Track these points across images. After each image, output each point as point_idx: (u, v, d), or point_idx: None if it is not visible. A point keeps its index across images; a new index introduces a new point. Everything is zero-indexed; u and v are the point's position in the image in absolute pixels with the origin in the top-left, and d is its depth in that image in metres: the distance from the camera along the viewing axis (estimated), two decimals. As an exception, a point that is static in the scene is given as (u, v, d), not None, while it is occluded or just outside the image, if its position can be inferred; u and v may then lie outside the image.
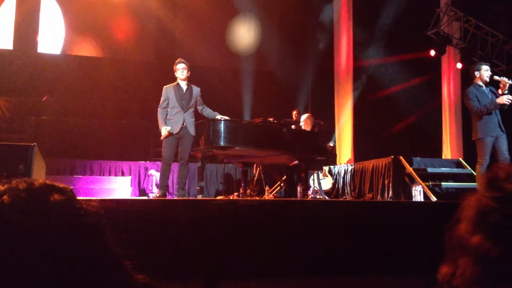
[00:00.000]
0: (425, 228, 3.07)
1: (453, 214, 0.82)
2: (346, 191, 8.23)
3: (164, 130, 5.49)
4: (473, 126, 5.36)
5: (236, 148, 5.65)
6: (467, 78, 9.70)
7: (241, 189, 6.73)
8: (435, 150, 9.89)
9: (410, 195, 6.31)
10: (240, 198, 6.18)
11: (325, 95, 10.17)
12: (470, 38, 9.33)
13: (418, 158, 7.52)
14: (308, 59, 10.76)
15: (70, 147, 8.26)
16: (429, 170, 7.28)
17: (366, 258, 3.24)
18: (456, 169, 7.58)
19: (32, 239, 0.67)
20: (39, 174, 4.88)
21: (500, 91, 5.29)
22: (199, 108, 5.81)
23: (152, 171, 7.91)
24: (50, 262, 0.67)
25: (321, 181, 7.82)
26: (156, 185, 7.55)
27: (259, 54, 10.55)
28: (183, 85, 5.69)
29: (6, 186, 0.73)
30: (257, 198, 6.40)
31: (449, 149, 9.96)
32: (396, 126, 10.08)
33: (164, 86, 5.71)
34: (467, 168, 7.39)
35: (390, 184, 7.01)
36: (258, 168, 7.61)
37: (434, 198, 6.32)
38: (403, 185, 6.94)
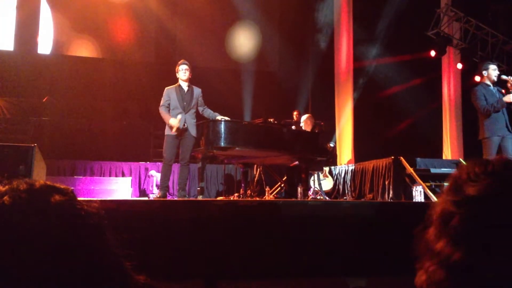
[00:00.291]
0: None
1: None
2: (346, 192, 8.23)
3: (174, 121, 5.48)
4: (480, 125, 5.34)
5: (237, 148, 5.65)
6: (467, 78, 9.75)
7: (241, 189, 6.73)
8: (436, 151, 9.89)
9: (410, 196, 6.31)
10: (240, 199, 6.18)
11: (326, 96, 10.17)
12: (470, 38, 9.33)
13: (418, 159, 7.52)
14: (308, 60, 10.76)
15: (70, 147, 8.26)
16: (430, 170, 7.27)
17: (366, 258, 3.24)
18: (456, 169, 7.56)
19: (32, 240, 0.68)
20: (40, 175, 4.88)
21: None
22: (200, 109, 5.82)
23: (152, 172, 7.91)
24: (50, 262, 0.67)
25: (321, 181, 7.82)
26: (156, 185, 7.56)
27: (260, 55, 10.55)
28: (185, 86, 5.70)
29: (6, 187, 0.73)
30: (258, 198, 6.40)
31: (449, 150, 9.96)
32: (397, 126, 10.08)
33: (166, 88, 5.73)
34: (468, 168, 7.37)
35: (391, 185, 7.01)
36: (258, 169, 7.62)
37: (434, 199, 6.32)
38: (404, 185, 6.93)
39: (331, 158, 8.16)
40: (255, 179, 7.61)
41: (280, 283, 3.06)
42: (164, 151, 5.62)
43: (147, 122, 9.09)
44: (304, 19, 10.63)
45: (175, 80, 5.78)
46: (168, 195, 6.04)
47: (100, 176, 7.80)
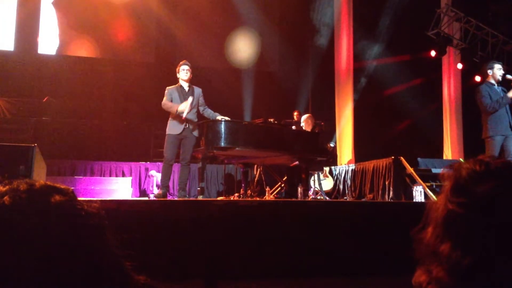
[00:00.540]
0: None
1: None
2: (346, 192, 8.23)
3: (183, 105, 5.46)
4: (483, 124, 5.36)
5: (237, 148, 5.65)
6: (467, 78, 9.76)
7: (241, 189, 6.73)
8: (436, 151, 9.89)
9: (411, 196, 6.31)
10: (240, 199, 6.18)
11: (326, 96, 10.17)
12: (470, 38, 9.33)
13: (419, 159, 7.52)
14: (308, 60, 10.76)
15: (70, 148, 8.26)
16: (430, 170, 7.27)
17: (367, 258, 3.24)
18: (457, 169, 7.56)
19: (32, 240, 0.68)
20: (40, 175, 4.88)
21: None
22: (200, 109, 5.83)
23: (152, 172, 7.91)
24: (50, 263, 0.67)
25: (321, 181, 7.82)
26: (156, 185, 7.56)
27: (260, 55, 10.56)
28: (186, 86, 5.72)
29: (7, 187, 0.73)
30: (258, 199, 6.40)
31: (449, 150, 9.96)
32: (397, 126, 10.08)
33: (167, 87, 5.73)
34: (468, 168, 7.37)
35: (391, 185, 7.01)
36: (258, 169, 7.61)
37: (435, 199, 6.32)
38: (404, 185, 6.93)
39: (331, 158, 8.15)
40: (255, 179, 7.61)
41: (280, 283, 3.06)
42: (165, 151, 5.61)
43: (147, 122, 9.09)
44: (304, 19, 10.63)
45: (175, 80, 5.78)
46: (168, 195, 6.04)
47: (100, 176, 7.80)
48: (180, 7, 10.28)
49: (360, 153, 9.41)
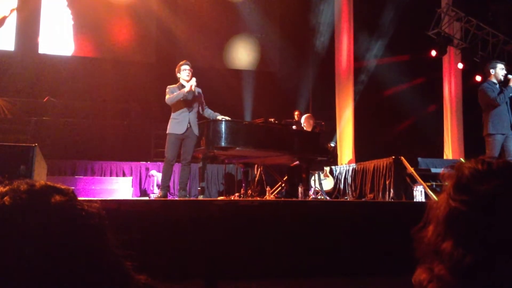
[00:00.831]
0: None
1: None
2: (347, 192, 8.23)
3: (189, 83, 5.47)
4: (484, 121, 5.40)
5: (237, 148, 5.65)
6: (468, 78, 9.75)
7: (242, 189, 6.73)
8: (436, 151, 9.89)
9: (411, 196, 6.31)
10: (241, 199, 6.18)
11: (326, 96, 10.17)
12: (471, 38, 9.32)
13: (419, 158, 7.52)
14: (309, 60, 10.76)
15: (71, 147, 8.27)
16: (431, 170, 7.27)
17: (367, 258, 3.24)
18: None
19: (33, 240, 0.68)
20: (40, 175, 4.88)
21: None
22: (200, 109, 5.82)
23: (153, 172, 7.91)
24: (50, 263, 0.67)
25: (322, 181, 7.82)
26: (157, 185, 7.56)
27: (260, 55, 10.56)
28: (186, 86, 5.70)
29: (7, 187, 0.73)
30: (258, 198, 6.40)
31: (450, 150, 9.96)
32: (397, 126, 10.08)
33: (168, 86, 5.71)
34: (468, 168, 7.37)
35: (391, 185, 7.01)
36: (259, 169, 7.61)
37: (435, 198, 6.31)
38: (405, 185, 6.93)
39: (331, 158, 8.16)
40: (256, 179, 7.61)
41: (280, 283, 3.06)
42: (167, 151, 5.60)
43: (147, 122, 9.09)
44: (304, 19, 10.63)
45: (175, 80, 5.77)
46: (168, 194, 6.04)
47: (101, 176, 7.80)
48: (181, 7, 10.28)
49: (360, 153, 9.41)
